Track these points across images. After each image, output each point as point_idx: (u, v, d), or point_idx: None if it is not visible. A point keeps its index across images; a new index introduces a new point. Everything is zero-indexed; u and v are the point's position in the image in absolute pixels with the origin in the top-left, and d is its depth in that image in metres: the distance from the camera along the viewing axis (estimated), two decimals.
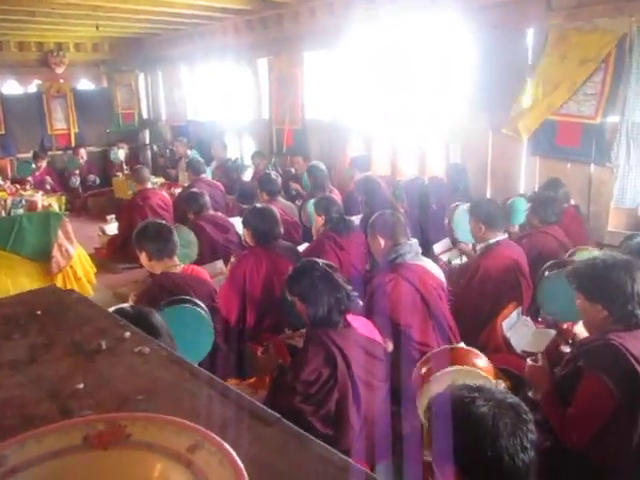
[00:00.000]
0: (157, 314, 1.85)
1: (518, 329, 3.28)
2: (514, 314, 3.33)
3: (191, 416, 0.57)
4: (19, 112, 9.50)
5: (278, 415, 0.59)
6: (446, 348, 2.25)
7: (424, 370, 2.05)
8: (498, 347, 3.13)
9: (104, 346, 0.78)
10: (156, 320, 1.77)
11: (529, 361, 2.40)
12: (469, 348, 2.26)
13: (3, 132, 9.32)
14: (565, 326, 3.00)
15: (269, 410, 0.60)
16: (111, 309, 2.85)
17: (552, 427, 2.28)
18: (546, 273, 3.13)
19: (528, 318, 3.43)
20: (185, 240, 4.08)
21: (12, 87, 9.94)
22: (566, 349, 2.92)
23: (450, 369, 1.93)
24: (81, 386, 0.68)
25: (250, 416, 0.60)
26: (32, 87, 10.05)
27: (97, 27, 7.50)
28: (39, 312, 0.92)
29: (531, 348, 3.12)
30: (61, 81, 9.94)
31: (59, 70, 9.75)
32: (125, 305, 1.83)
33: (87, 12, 6.76)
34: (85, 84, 10.81)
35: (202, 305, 2.43)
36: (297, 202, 5.97)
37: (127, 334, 0.81)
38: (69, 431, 0.52)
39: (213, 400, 0.63)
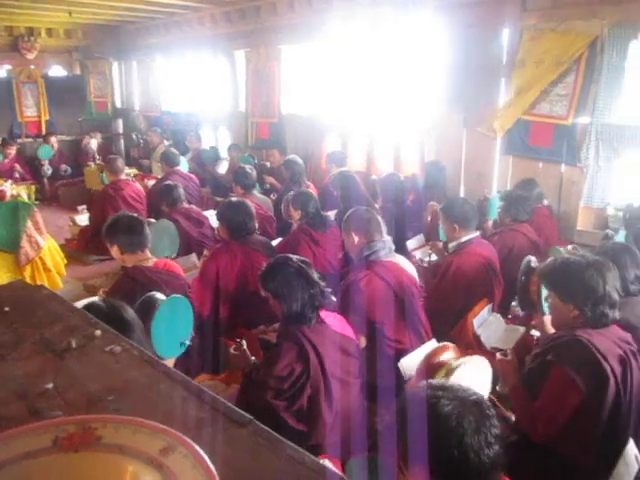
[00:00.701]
0: (129, 309, 1.83)
1: (489, 326, 3.33)
2: (485, 311, 3.38)
3: (163, 418, 0.57)
4: None
5: (250, 417, 0.59)
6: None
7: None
8: (469, 343, 3.17)
9: (74, 344, 0.77)
10: (128, 315, 1.75)
11: (499, 355, 2.44)
12: (439, 344, 2.29)
13: None
14: (533, 322, 3.07)
15: (242, 411, 0.60)
16: (83, 302, 2.82)
17: (519, 420, 2.34)
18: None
19: (498, 315, 3.49)
20: (169, 232, 4.05)
21: None
22: (536, 333, 2.99)
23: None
24: (51, 386, 0.67)
25: (223, 417, 0.59)
26: (2, 72, 9.80)
27: (70, 13, 7.34)
28: (7, 309, 0.91)
29: (501, 345, 3.17)
30: (32, 67, 9.71)
31: (30, 56, 9.51)
32: (97, 299, 1.80)
33: None
34: (57, 71, 10.57)
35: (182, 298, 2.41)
36: (272, 196, 5.95)
37: (98, 332, 0.80)
38: (39, 433, 0.52)
39: (186, 401, 0.62)
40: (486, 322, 3.34)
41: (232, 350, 2.55)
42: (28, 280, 4.61)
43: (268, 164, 7.21)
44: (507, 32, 5.40)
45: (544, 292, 2.44)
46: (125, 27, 9.72)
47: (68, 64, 10.61)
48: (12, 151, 8.85)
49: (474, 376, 1.97)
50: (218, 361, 3.22)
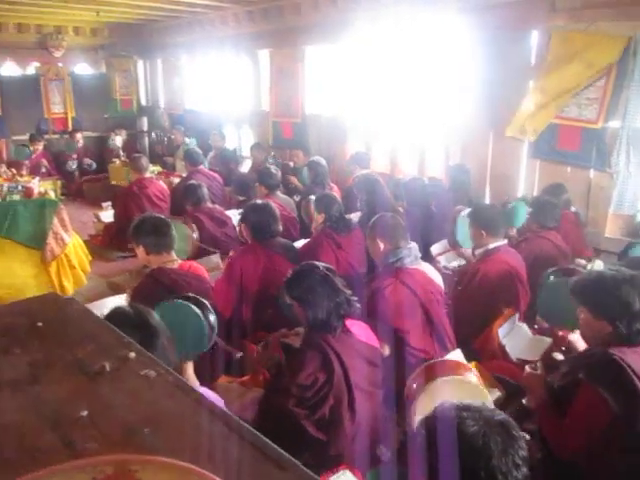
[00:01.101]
0: (155, 314, 1.83)
1: (514, 336, 3.27)
2: (510, 320, 3.31)
3: (201, 455, 0.55)
4: (16, 94, 9.38)
5: (294, 460, 0.56)
6: (434, 362, 2.23)
7: (415, 385, 2.04)
8: (493, 353, 3.12)
9: (108, 368, 0.75)
10: (154, 321, 1.75)
11: (527, 369, 2.39)
12: (459, 361, 2.24)
13: None
14: (560, 333, 3.00)
15: (284, 452, 0.58)
16: (109, 300, 2.82)
17: (546, 437, 2.29)
18: (551, 278, 3.11)
19: (524, 325, 3.42)
20: (181, 234, 4.04)
21: (9, 69, 9.81)
22: (559, 356, 2.92)
23: (443, 379, 1.91)
24: (85, 413, 0.65)
25: (264, 458, 0.57)
26: (30, 69, 9.94)
27: (98, 12, 7.40)
28: (40, 324, 0.90)
29: (527, 356, 3.11)
30: (59, 64, 9.83)
31: (57, 53, 9.63)
32: (124, 305, 1.80)
33: None
34: (83, 68, 10.69)
35: (204, 301, 2.40)
36: (295, 197, 5.93)
37: (132, 354, 0.79)
38: (75, 473, 0.50)
39: (224, 437, 0.60)
40: (512, 332, 3.28)
41: (259, 348, 2.53)
42: (53, 276, 4.67)
43: (291, 164, 7.19)
44: (536, 33, 5.32)
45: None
46: (150, 26, 9.78)
47: (94, 62, 10.72)
48: (39, 147, 8.98)
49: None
50: (239, 363, 3.21)
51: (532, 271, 3.80)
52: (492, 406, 2.03)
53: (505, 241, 3.75)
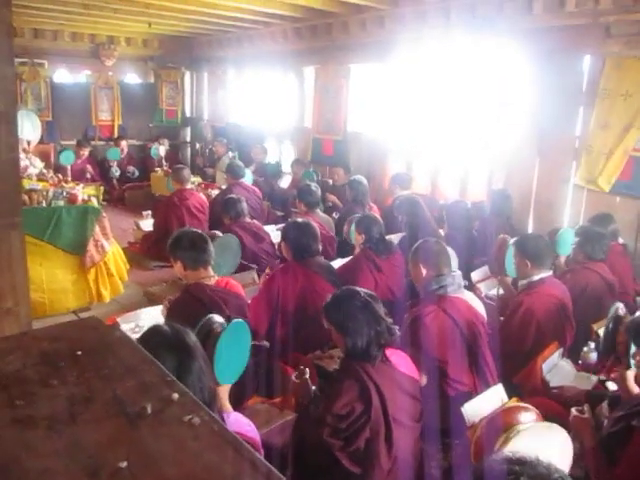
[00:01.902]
0: (192, 334, 1.79)
1: (558, 372, 3.14)
2: (555, 355, 3.18)
3: None
4: (67, 100, 9.65)
5: None
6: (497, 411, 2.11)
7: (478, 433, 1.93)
8: (536, 389, 2.99)
9: (149, 410, 0.70)
10: (192, 342, 1.71)
11: (574, 411, 2.27)
12: (518, 404, 2.13)
13: (50, 118, 9.46)
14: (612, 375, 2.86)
15: None
16: (147, 310, 2.78)
17: None
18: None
19: (569, 361, 3.28)
20: (232, 247, 4.04)
21: (63, 76, 10.10)
22: (612, 386, 2.78)
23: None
24: (124, 465, 0.60)
25: None
26: (81, 77, 10.21)
27: (149, 24, 7.56)
28: (79, 352, 0.86)
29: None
30: (109, 73, 10.07)
31: (109, 62, 9.88)
32: (161, 324, 1.77)
33: (140, 9, 6.81)
34: (132, 78, 10.94)
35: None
36: (334, 215, 5.89)
37: (175, 396, 0.73)
38: None
39: None
40: (556, 367, 3.15)
41: (294, 378, 2.47)
42: (91, 284, 4.72)
43: (330, 181, 7.16)
44: (588, 59, 5.19)
45: (633, 347, 2.25)
46: (199, 39, 9.94)
47: (143, 72, 10.96)
48: (85, 153, 9.19)
49: (534, 446, 1.80)
50: (272, 384, 3.15)
51: (578, 305, 3.66)
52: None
53: (550, 272, 3.61)
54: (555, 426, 1.90)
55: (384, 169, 7.02)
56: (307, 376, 2.45)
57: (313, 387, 2.44)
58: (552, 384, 2.99)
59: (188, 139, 11.05)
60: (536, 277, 3.46)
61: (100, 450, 0.63)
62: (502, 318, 3.55)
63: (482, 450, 1.96)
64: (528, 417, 1.95)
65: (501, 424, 1.89)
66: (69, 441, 0.65)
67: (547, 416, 2.62)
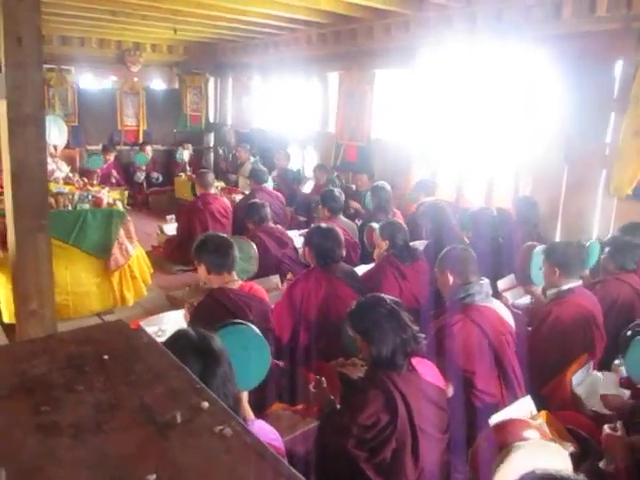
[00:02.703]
0: (217, 338, 1.76)
1: (588, 385, 3.04)
2: (585, 368, 3.09)
3: None
4: (93, 106, 9.79)
5: None
6: (504, 421, 2.05)
7: (485, 444, 1.88)
8: (565, 403, 2.91)
9: (179, 419, 0.67)
10: (218, 347, 1.68)
11: (606, 429, 2.19)
12: (525, 420, 2.06)
13: (76, 123, 9.59)
14: None
15: None
16: (171, 313, 2.76)
17: None
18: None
19: (600, 374, 3.18)
20: (246, 254, 4.01)
21: (89, 82, 10.25)
22: None
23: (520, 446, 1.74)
24: (153, 477, 0.57)
25: None
26: (107, 83, 10.35)
27: (175, 31, 7.62)
28: (106, 357, 0.83)
29: (601, 409, 2.88)
30: (135, 79, 10.19)
31: (134, 68, 9.98)
32: (187, 328, 1.75)
33: (166, 15, 6.87)
34: (157, 84, 11.05)
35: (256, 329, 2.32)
36: (356, 221, 5.84)
37: (205, 404, 0.70)
38: None
39: None
40: (585, 381, 3.05)
41: (311, 387, 2.43)
42: (115, 286, 4.74)
43: (354, 187, 7.12)
44: (619, 64, 5.07)
45: None
46: (223, 45, 10.00)
47: (168, 78, 11.06)
48: (111, 157, 9.30)
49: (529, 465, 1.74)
50: (295, 391, 3.12)
51: (609, 317, 3.56)
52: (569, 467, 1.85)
53: (580, 282, 3.52)
54: (553, 445, 1.84)
55: (408, 176, 6.96)
56: (325, 385, 2.41)
57: (332, 397, 2.40)
58: (582, 397, 2.91)
59: (211, 144, 11.11)
60: (565, 287, 3.37)
61: (127, 461, 0.60)
62: (530, 328, 3.46)
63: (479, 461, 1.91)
64: (532, 434, 1.87)
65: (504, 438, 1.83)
66: (95, 450, 0.62)
67: (576, 431, 2.56)
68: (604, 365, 3.35)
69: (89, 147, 9.80)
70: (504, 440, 1.84)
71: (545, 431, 2.16)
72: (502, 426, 1.97)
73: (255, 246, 4.29)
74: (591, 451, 2.43)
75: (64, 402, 0.72)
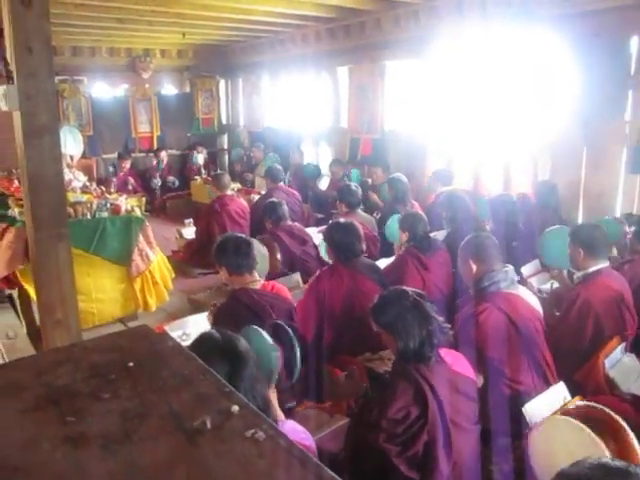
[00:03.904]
0: (243, 339, 1.75)
1: (622, 367, 2.98)
2: (617, 350, 3.02)
3: None
4: (106, 114, 9.85)
5: None
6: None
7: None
8: (599, 387, 2.85)
9: (209, 424, 0.65)
10: (244, 348, 1.66)
11: None
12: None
13: (91, 133, 9.67)
14: None
15: None
16: (191, 324, 2.76)
17: None
18: None
19: (633, 355, 3.11)
20: (258, 253, 4.00)
21: (102, 91, 10.33)
22: None
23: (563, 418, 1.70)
24: None
25: None
26: (120, 91, 10.42)
27: (183, 35, 7.64)
28: (131, 364, 0.81)
29: (638, 390, 2.82)
30: (146, 86, 10.23)
31: (145, 75, 10.04)
32: (211, 331, 1.74)
33: (173, 20, 6.89)
34: (169, 89, 11.09)
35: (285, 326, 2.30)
36: (375, 214, 5.80)
37: (235, 408, 0.68)
38: None
39: None
40: (619, 363, 2.99)
41: (343, 378, 2.40)
42: (138, 293, 4.76)
43: (370, 181, 7.07)
44: (636, 40, 4.96)
45: None
46: (232, 46, 10.00)
47: (179, 82, 11.10)
48: (127, 165, 9.37)
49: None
50: (321, 388, 3.09)
51: (638, 296, 3.48)
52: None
53: (607, 263, 3.44)
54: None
55: (424, 166, 6.89)
56: (357, 374, 2.38)
57: (365, 384, 2.37)
58: (616, 380, 2.84)
59: (225, 146, 11.13)
60: (592, 268, 3.30)
61: (158, 471, 0.58)
62: (557, 313, 3.40)
63: None
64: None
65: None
66: (124, 461, 0.60)
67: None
68: (637, 346, 3.28)
69: (105, 155, 9.88)
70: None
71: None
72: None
73: (265, 244, 4.28)
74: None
75: (90, 412, 0.70)
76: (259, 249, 4.12)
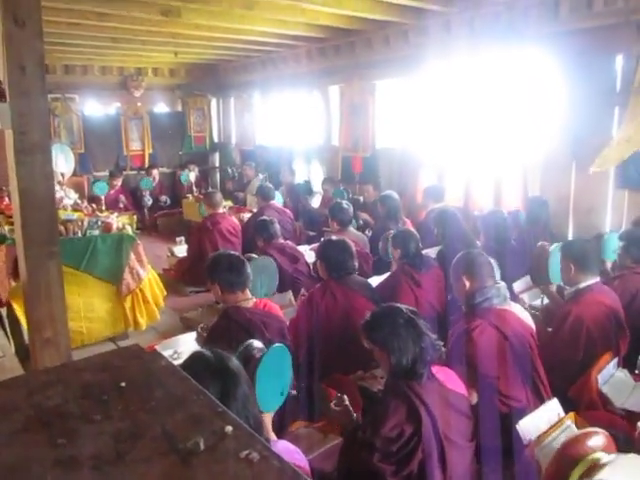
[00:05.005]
0: (234, 358, 1.73)
1: (615, 383, 2.98)
2: (610, 366, 3.02)
3: None
4: (98, 132, 9.86)
5: None
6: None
7: None
8: (592, 403, 2.84)
9: (202, 445, 0.64)
10: (236, 367, 1.65)
11: None
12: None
13: (82, 151, 9.67)
14: None
15: None
16: (182, 343, 2.74)
17: None
18: None
19: (625, 370, 3.12)
20: (268, 270, 4.00)
21: (93, 109, 10.34)
22: None
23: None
24: None
25: None
26: (112, 109, 10.44)
27: (176, 54, 7.68)
28: (123, 384, 0.80)
29: (632, 406, 2.82)
30: (138, 104, 10.27)
31: (137, 93, 10.07)
32: (203, 350, 1.72)
33: (166, 39, 6.94)
34: (161, 107, 11.13)
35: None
36: (367, 232, 5.81)
37: (229, 429, 0.67)
38: None
39: None
40: (612, 379, 2.99)
41: (332, 405, 2.39)
42: (128, 311, 4.72)
43: (361, 199, 7.10)
44: (621, 58, 5.04)
45: None
46: (224, 65, 10.07)
47: (171, 101, 11.15)
48: (118, 183, 9.35)
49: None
50: (314, 407, 3.07)
51: (630, 312, 3.50)
52: None
53: (598, 279, 3.46)
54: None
55: (416, 183, 6.93)
56: (347, 402, 2.37)
57: (354, 415, 2.35)
58: (610, 397, 2.84)
59: (217, 164, 11.15)
60: (583, 284, 3.31)
61: None
62: (550, 329, 3.41)
63: None
64: (597, 441, 1.80)
65: (573, 455, 1.76)
66: None
67: (608, 431, 2.49)
68: (629, 361, 3.29)
69: (96, 173, 9.86)
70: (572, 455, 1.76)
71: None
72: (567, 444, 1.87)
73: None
74: (624, 451, 2.36)
75: (82, 434, 0.69)
76: (267, 265, 4.11)
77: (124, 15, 5.58)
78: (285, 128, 9.29)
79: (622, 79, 5.00)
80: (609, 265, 4.21)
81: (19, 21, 2.33)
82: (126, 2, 5.16)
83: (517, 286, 4.32)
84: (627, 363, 3.25)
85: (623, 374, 3.08)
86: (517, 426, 2.31)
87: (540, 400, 2.67)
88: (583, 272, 3.36)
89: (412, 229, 4.40)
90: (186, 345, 3.35)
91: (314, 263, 4.22)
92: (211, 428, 0.68)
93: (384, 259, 4.30)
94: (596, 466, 1.63)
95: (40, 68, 2.44)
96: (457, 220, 4.72)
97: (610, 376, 3.01)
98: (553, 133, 5.55)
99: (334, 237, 3.73)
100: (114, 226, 4.85)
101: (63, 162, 7.11)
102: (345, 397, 2.38)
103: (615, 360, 3.12)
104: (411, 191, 6.94)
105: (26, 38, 2.35)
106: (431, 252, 4.55)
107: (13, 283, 4.25)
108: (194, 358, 1.66)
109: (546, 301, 4.02)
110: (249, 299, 3.01)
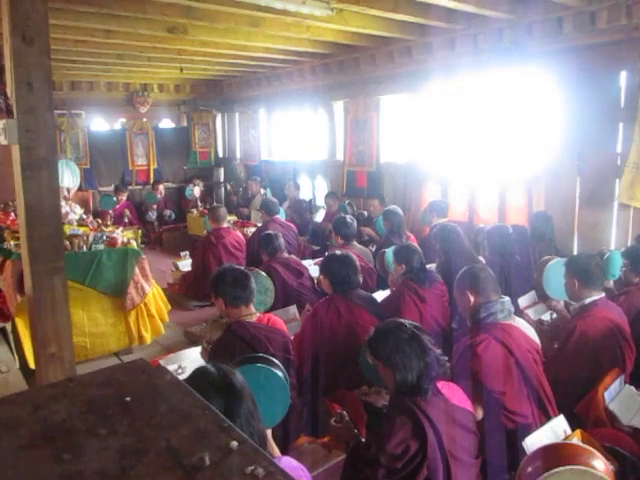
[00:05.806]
0: (239, 374, 1.73)
1: (622, 400, 2.95)
2: (617, 382, 3.00)
3: None
4: (104, 148, 9.96)
5: None
6: (557, 444, 1.98)
7: (530, 469, 1.80)
8: (599, 420, 2.81)
9: (207, 461, 0.64)
10: (240, 383, 1.64)
11: None
12: (585, 446, 1.98)
13: (88, 166, 9.75)
14: None
15: None
16: (186, 357, 2.74)
17: None
18: None
19: (632, 387, 3.09)
20: (262, 286, 3.98)
21: (99, 124, 10.43)
22: None
23: (563, 469, 1.67)
24: None
25: None
26: (117, 124, 10.53)
27: (181, 70, 7.76)
28: (128, 399, 0.80)
29: (638, 422, 2.79)
30: (144, 120, 10.35)
31: (143, 109, 10.16)
32: (207, 366, 1.72)
33: (172, 55, 7.01)
34: (166, 123, 11.22)
35: (278, 363, 2.26)
36: (370, 247, 5.81)
37: (234, 444, 0.67)
38: None
39: None
40: (619, 395, 2.96)
41: (333, 422, 2.37)
42: (132, 326, 4.72)
43: (365, 213, 7.11)
44: (625, 74, 5.07)
45: None
46: (229, 81, 10.16)
47: (176, 116, 11.24)
48: (123, 197, 9.42)
49: None
50: (319, 422, 3.05)
51: (635, 327, 3.48)
52: None
53: (603, 294, 3.44)
54: (590, 472, 1.75)
55: (420, 198, 6.95)
56: (347, 419, 2.35)
57: (355, 431, 2.34)
58: (617, 414, 2.81)
59: (222, 179, 11.21)
60: (588, 300, 3.30)
61: None
62: (556, 345, 3.39)
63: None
64: (599, 464, 1.79)
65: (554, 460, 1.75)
66: None
67: (614, 448, 2.46)
68: (636, 378, 3.26)
69: (101, 188, 9.93)
70: (555, 463, 1.76)
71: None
72: (552, 449, 1.88)
73: (271, 278, 4.27)
74: (631, 469, 2.34)
75: (87, 449, 0.69)
76: (264, 282, 4.11)
77: (130, 32, 5.65)
78: (290, 143, 9.34)
79: (626, 95, 5.02)
80: (611, 283, 4.19)
81: (27, 39, 2.37)
82: (132, 19, 5.21)
83: (522, 301, 4.30)
84: (634, 379, 3.22)
85: (630, 391, 3.06)
86: (523, 443, 2.28)
87: (546, 416, 2.65)
88: (587, 288, 3.34)
89: (415, 244, 4.40)
90: (190, 360, 3.35)
91: (318, 278, 4.21)
92: (216, 443, 0.68)
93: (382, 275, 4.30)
94: None
95: (47, 85, 2.47)
96: (458, 235, 4.71)
97: (617, 393, 2.98)
98: (558, 149, 5.56)
99: (338, 252, 3.72)
100: (119, 241, 4.86)
101: (69, 177, 7.15)
102: (345, 413, 2.36)
103: (622, 376, 3.10)
104: (415, 206, 6.95)
105: (34, 55, 2.38)
106: (434, 268, 4.54)
107: (19, 298, 4.25)
108: (198, 373, 1.66)
109: (554, 316, 4.00)
110: (253, 314, 3.00)
